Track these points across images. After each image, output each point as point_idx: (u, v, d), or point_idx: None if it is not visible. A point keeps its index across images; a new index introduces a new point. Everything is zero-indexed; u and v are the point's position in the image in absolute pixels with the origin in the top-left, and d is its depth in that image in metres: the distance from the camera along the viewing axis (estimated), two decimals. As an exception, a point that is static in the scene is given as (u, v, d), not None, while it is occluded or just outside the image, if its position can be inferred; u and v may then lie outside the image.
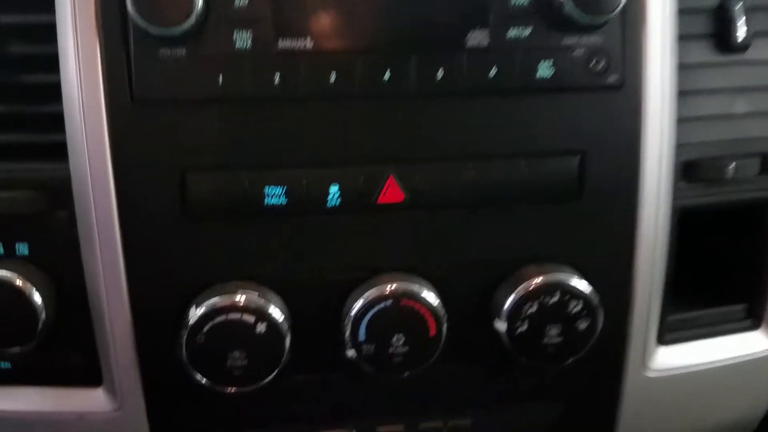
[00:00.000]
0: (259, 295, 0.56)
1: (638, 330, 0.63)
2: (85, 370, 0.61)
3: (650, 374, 0.65)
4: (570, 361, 0.60)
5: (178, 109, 0.54)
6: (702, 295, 0.70)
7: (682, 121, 0.61)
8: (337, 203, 0.57)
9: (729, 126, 0.64)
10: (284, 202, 0.56)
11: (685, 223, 0.64)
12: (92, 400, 0.61)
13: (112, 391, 0.61)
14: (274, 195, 0.56)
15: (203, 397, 0.58)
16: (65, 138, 0.54)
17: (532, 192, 0.59)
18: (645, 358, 0.65)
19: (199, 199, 0.56)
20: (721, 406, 0.70)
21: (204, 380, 0.56)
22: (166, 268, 0.57)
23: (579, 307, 0.58)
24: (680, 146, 0.62)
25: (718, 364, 0.67)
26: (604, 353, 0.63)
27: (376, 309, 0.57)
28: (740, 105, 0.66)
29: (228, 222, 0.57)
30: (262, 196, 0.56)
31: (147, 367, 0.59)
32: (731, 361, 0.67)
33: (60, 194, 0.55)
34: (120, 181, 0.55)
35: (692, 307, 0.68)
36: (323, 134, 0.56)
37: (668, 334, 0.66)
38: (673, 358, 0.66)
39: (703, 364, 0.66)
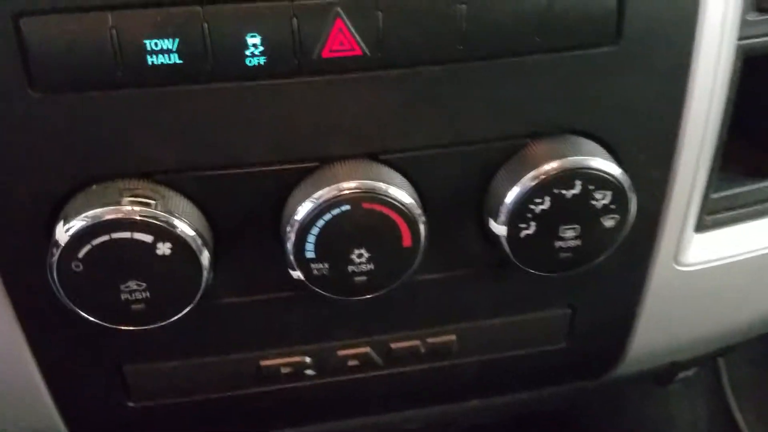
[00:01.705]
0: (155, 203, 0.39)
1: (675, 217, 0.49)
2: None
3: (682, 269, 0.51)
4: (587, 266, 0.45)
5: None
6: (749, 165, 0.54)
7: None
8: (261, 61, 0.38)
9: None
10: (178, 61, 0.37)
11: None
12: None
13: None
14: (161, 50, 0.37)
15: (102, 329, 0.43)
16: None
17: (549, 33, 0.40)
18: (678, 250, 0.51)
19: (46, 57, 0.36)
20: (763, 300, 0.58)
21: (90, 318, 0.41)
22: (19, 164, 0.39)
23: (607, 200, 0.42)
24: None
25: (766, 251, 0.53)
26: (629, 250, 0.49)
27: (328, 216, 0.40)
28: None
29: (100, 94, 0.38)
30: (142, 52, 0.37)
31: (17, 294, 0.43)
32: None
33: None
34: None
35: (739, 181, 0.53)
36: None
37: (709, 218, 0.51)
38: (712, 247, 0.52)
39: (747, 252, 0.53)
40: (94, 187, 0.40)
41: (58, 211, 0.40)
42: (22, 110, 0.38)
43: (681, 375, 0.73)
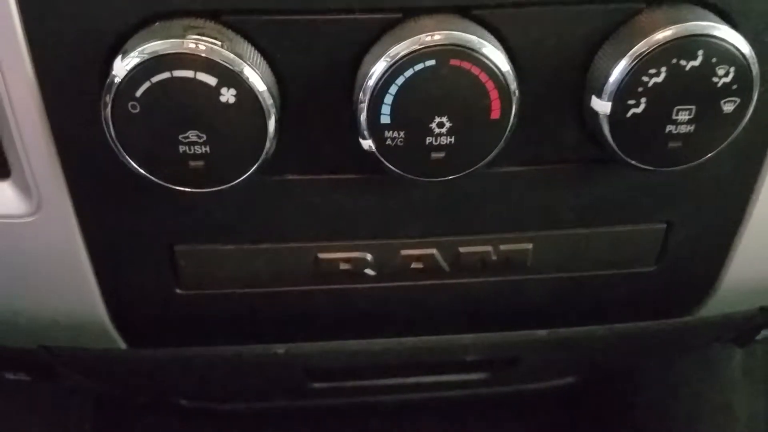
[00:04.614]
0: (222, 44, 0.35)
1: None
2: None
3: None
4: (696, 163, 0.40)
5: None
6: None
7: None
8: None
9: None
10: None
11: None
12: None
13: (25, 188, 0.42)
14: None
15: (154, 196, 0.39)
16: None
17: None
18: (792, 163, 0.45)
19: None
20: None
21: (143, 172, 0.37)
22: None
23: (729, 78, 0.37)
24: None
25: None
26: (738, 155, 0.43)
27: (410, 73, 0.36)
28: None
29: None
30: None
31: (67, 150, 0.41)
32: None
33: None
34: None
35: None
36: None
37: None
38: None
39: None
40: (158, 23, 0.36)
41: (118, 50, 0.36)
42: None
43: (763, 333, 0.66)
